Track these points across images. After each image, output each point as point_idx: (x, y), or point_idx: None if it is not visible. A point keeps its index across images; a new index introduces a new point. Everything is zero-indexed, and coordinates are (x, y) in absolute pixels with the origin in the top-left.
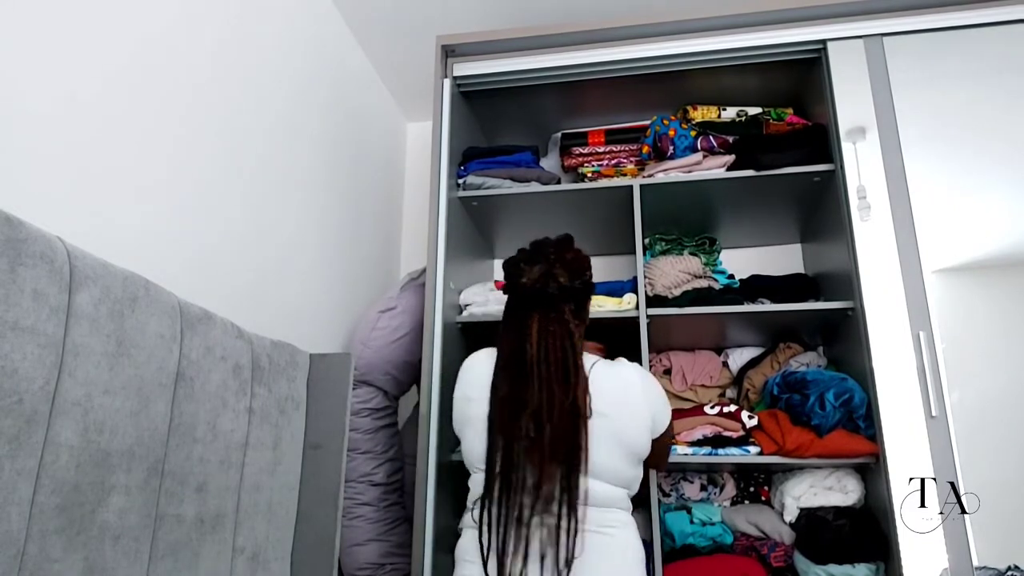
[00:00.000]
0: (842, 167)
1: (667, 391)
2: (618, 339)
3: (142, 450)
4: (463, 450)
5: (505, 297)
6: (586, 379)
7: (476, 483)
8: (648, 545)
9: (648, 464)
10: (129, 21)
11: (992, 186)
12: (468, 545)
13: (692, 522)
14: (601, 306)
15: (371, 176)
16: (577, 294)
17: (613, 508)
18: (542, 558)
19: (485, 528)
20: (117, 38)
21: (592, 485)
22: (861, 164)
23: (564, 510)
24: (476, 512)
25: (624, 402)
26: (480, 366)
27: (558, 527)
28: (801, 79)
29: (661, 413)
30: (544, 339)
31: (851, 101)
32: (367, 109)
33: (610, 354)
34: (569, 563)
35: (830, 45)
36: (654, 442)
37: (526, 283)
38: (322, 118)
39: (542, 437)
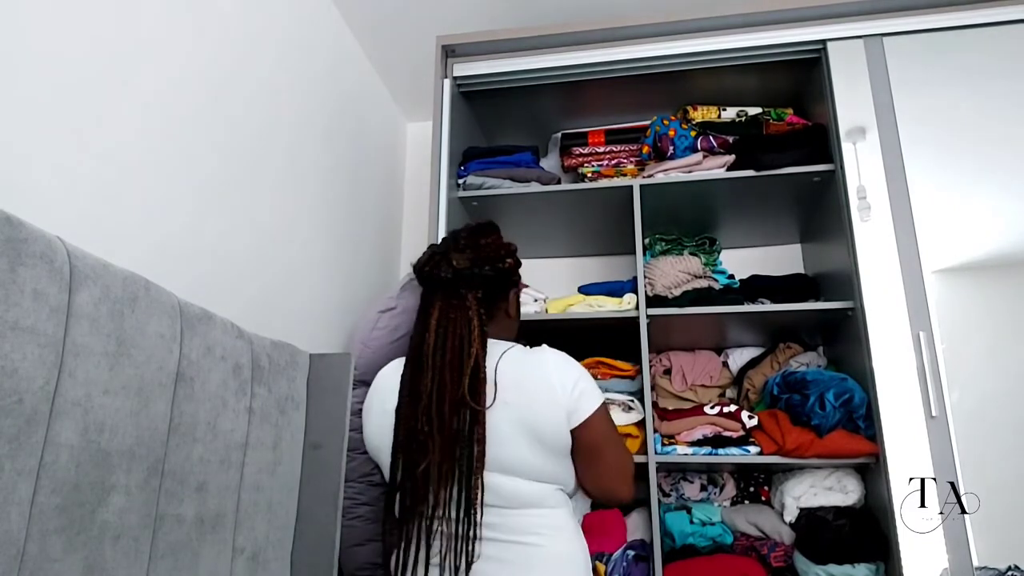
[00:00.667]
0: (842, 167)
1: (667, 391)
2: (618, 339)
3: (142, 450)
4: (384, 473)
5: None
6: (482, 368)
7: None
8: (648, 545)
9: (593, 481)
10: (129, 22)
11: (992, 186)
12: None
13: (692, 522)
14: (601, 306)
15: (371, 176)
16: (487, 281)
17: (535, 508)
18: (441, 564)
19: (389, 535)
20: (117, 39)
21: (500, 482)
22: (861, 164)
23: (460, 513)
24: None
25: (532, 387)
26: (390, 376)
27: (455, 533)
28: (801, 79)
29: (585, 398)
30: (443, 327)
31: (851, 101)
32: (367, 109)
33: (610, 354)
34: (460, 570)
35: (830, 45)
36: (579, 435)
37: (416, 266)
38: (321, 118)
39: (435, 432)
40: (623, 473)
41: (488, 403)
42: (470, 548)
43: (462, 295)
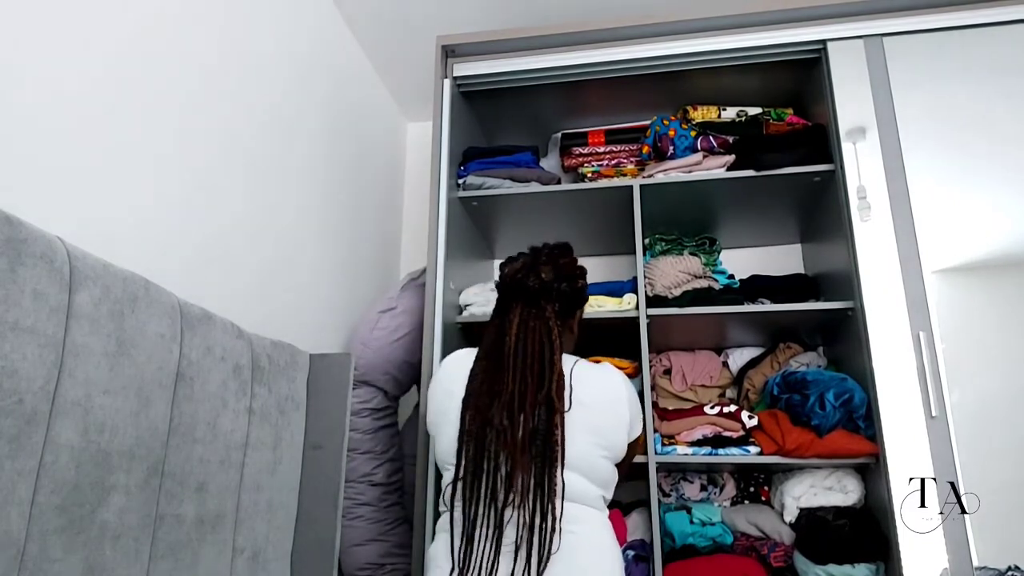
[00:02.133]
0: (842, 167)
1: (667, 391)
2: (618, 339)
3: (142, 450)
4: (437, 449)
5: None
6: (562, 374)
7: (449, 481)
8: (648, 545)
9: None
10: (128, 24)
11: (992, 186)
12: (440, 549)
13: (692, 522)
14: (601, 306)
15: (371, 176)
16: (563, 297)
17: (585, 506)
18: (515, 552)
19: (458, 516)
20: (117, 40)
21: (569, 478)
22: (861, 164)
23: (540, 504)
24: (449, 505)
25: (606, 397)
26: (461, 360)
27: (532, 521)
28: (801, 79)
29: (638, 419)
30: (523, 332)
31: (851, 101)
32: (367, 109)
33: (609, 353)
34: (545, 559)
35: (830, 45)
36: (628, 447)
37: (508, 274)
38: (322, 118)
39: (515, 427)
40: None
41: (567, 406)
42: (549, 539)
43: (541, 306)
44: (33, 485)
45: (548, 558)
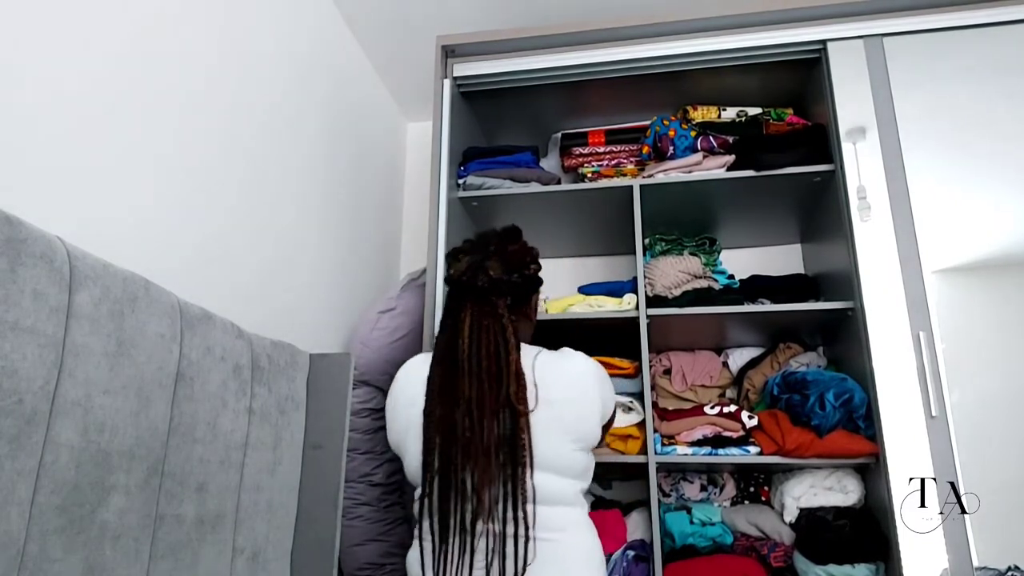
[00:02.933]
0: (842, 167)
1: (667, 391)
2: (618, 339)
3: (142, 450)
4: (406, 465)
5: None
6: (521, 374)
7: (419, 496)
8: (648, 545)
9: None
10: (128, 24)
11: (992, 186)
12: (414, 559)
13: (692, 522)
14: (601, 306)
15: (371, 176)
16: (515, 288)
17: (560, 505)
18: (487, 568)
19: (427, 535)
20: (117, 40)
21: (540, 480)
22: (861, 164)
23: (511, 514)
24: (419, 519)
25: (574, 390)
26: (419, 368)
27: (504, 533)
28: (801, 79)
29: (610, 400)
30: (476, 333)
31: (851, 101)
32: (367, 109)
33: (609, 353)
34: (521, 570)
35: (830, 45)
36: (603, 429)
37: (453, 275)
38: (322, 118)
39: (480, 435)
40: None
41: (532, 406)
42: (523, 549)
43: (492, 302)
44: (33, 485)
45: (524, 569)
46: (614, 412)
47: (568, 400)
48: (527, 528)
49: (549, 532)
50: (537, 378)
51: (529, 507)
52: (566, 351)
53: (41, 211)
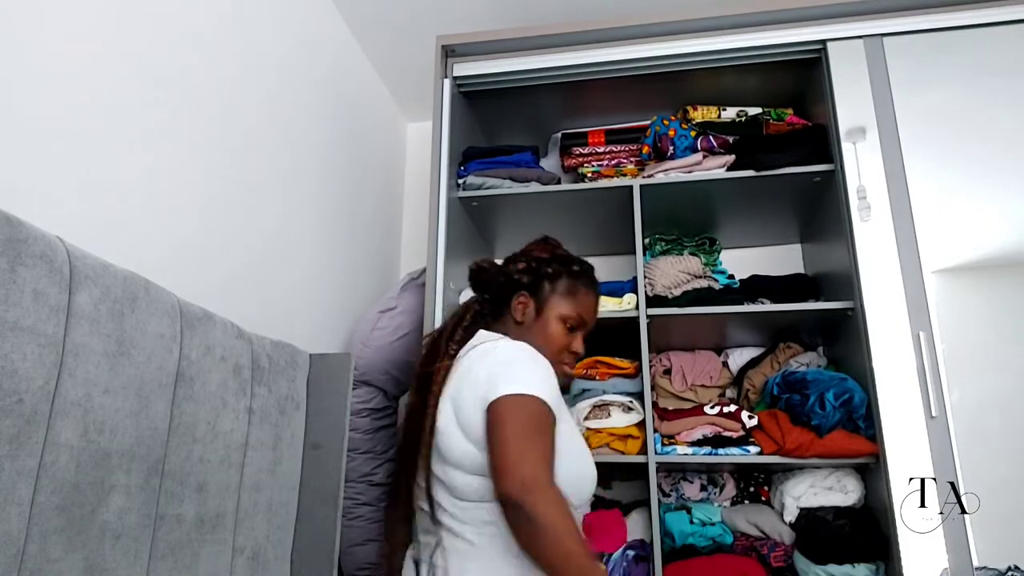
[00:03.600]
0: (842, 167)
1: (667, 391)
2: (618, 339)
3: (142, 450)
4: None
5: None
6: (443, 368)
7: None
8: (648, 545)
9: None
10: (126, 21)
11: (992, 186)
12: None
13: (692, 522)
14: (602, 306)
15: (371, 176)
16: (492, 291)
17: (485, 502)
18: (417, 559)
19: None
20: (114, 37)
21: (451, 475)
22: (861, 164)
23: (430, 523)
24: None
25: (465, 377)
26: None
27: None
28: (801, 79)
29: (493, 381)
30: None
31: (851, 101)
32: (367, 109)
33: (612, 354)
34: (430, 559)
35: (830, 45)
36: (486, 419)
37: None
38: (322, 118)
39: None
40: (503, 464)
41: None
42: (432, 540)
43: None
44: (33, 485)
45: (433, 553)
46: (507, 400)
47: (458, 387)
48: (433, 520)
49: (468, 529)
50: (453, 369)
51: (430, 499)
52: (478, 341)
53: (41, 211)
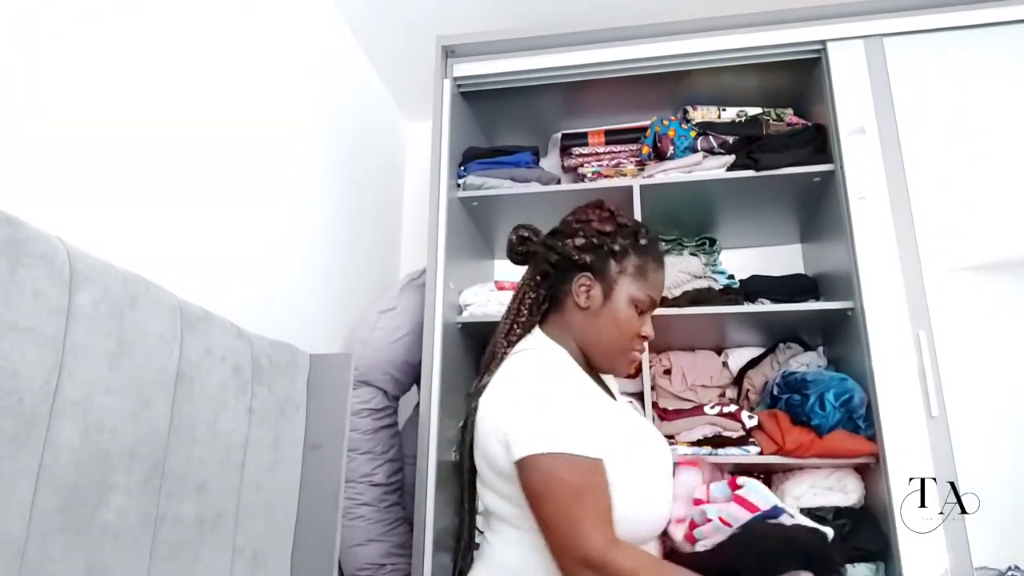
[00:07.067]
0: (842, 167)
1: (667, 391)
2: None
3: (142, 450)
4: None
5: (505, 298)
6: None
7: None
8: None
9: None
10: (127, 25)
11: (992, 186)
12: None
13: None
14: None
15: (371, 176)
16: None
17: (509, 526)
18: None
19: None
20: (115, 38)
21: (481, 491)
22: (861, 164)
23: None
24: None
25: (479, 421)
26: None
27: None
28: (801, 79)
29: (518, 428)
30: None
31: (851, 101)
32: (367, 109)
33: None
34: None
35: (830, 45)
36: (521, 476)
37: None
38: (322, 118)
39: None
40: (559, 544)
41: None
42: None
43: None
44: (33, 485)
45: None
46: (531, 461)
47: (483, 409)
48: (470, 538)
49: (494, 549)
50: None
51: (472, 517)
52: (510, 363)
53: (41, 211)
